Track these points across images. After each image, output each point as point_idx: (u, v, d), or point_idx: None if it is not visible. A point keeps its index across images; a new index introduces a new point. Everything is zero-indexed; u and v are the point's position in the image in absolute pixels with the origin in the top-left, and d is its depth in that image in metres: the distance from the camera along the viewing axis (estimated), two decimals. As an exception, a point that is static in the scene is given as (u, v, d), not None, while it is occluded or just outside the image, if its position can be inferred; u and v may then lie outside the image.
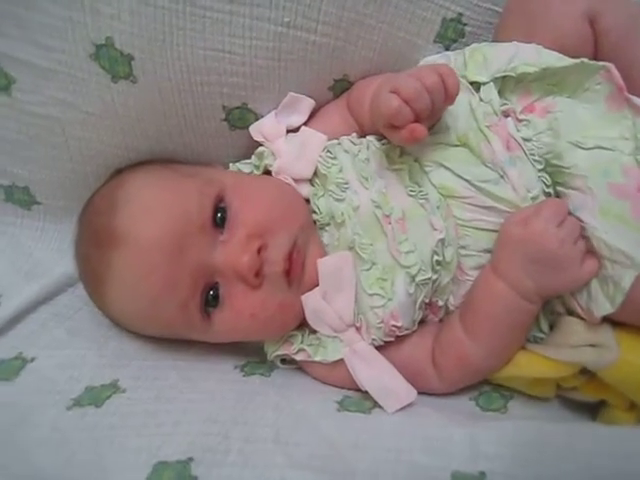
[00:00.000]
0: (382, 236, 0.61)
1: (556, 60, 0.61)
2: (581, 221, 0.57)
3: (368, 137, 0.66)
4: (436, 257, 0.59)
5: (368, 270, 0.60)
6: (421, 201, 0.61)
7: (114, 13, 0.57)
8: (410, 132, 0.56)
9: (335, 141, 0.66)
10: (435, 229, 0.60)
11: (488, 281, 0.59)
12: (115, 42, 0.59)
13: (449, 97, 0.57)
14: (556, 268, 0.56)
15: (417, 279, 0.59)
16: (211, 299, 0.59)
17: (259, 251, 0.58)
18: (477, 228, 0.61)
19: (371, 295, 0.60)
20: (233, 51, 0.62)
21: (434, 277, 0.60)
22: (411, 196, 0.61)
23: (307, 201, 0.65)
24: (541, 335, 0.63)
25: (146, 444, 0.53)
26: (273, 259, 0.58)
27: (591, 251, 0.57)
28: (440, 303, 0.63)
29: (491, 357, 0.60)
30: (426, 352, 0.62)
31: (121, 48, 0.59)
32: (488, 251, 0.61)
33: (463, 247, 0.61)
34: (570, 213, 0.58)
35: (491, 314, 0.59)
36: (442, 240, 0.60)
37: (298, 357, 0.63)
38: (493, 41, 0.69)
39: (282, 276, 0.59)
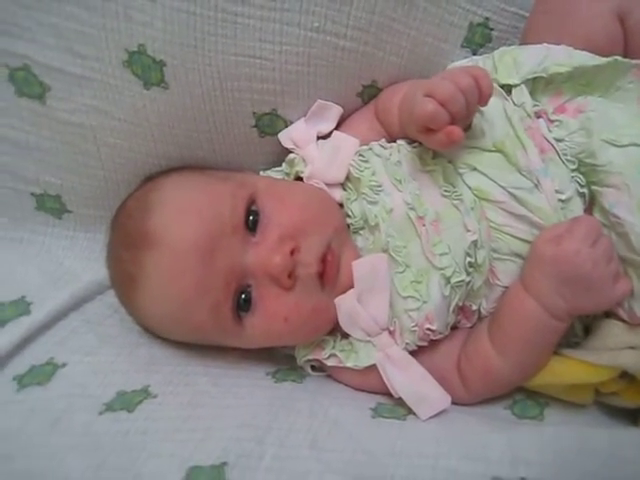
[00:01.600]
0: (416, 238, 0.60)
1: (588, 59, 0.62)
2: (618, 218, 0.57)
3: (398, 141, 0.66)
4: (469, 259, 0.59)
5: (402, 273, 0.60)
6: (455, 202, 0.60)
7: (147, 20, 0.58)
8: (448, 134, 0.55)
9: (365, 147, 0.66)
10: (469, 230, 0.59)
11: (518, 297, 0.58)
12: (147, 49, 0.60)
13: (483, 98, 0.57)
14: (589, 289, 0.56)
15: (452, 281, 0.58)
16: (243, 303, 0.59)
17: (292, 253, 0.57)
18: (509, 234, 0.60)
19: (405, 298, 0.59)
20: (264, 56, 0.62)
21: (467, 279, 0.59)
22: (445, 197, 0.61)
23: (340, 205, 0.65)
24: (576, 339, 0.62)
25: (179, 449, 0.52)
26: (306, 261, 0.58)
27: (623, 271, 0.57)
28: (474, 307, 0.62)
29: (516, 372, 0.59)
30: (453, 359, 0.62)
31: (153, 55, 0.60)
32: (519, 256, 0.60)
33: (495, 250, 0.61)
34: (607, 213, 0.57)
35: (520, 330, 0.58)
36: (475, 242, 0.59)
37: (329, 362, 0.62)
38: (521, 44, 0.69)
39: (316, 278, 0.58)
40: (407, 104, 0.61)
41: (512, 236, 0.60)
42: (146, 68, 0.61)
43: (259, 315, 0.59)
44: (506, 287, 0.61)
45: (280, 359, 0.67)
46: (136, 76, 0.61)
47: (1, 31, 0.59)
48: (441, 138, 0.56)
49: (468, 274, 0.59)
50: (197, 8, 0.58)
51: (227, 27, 0.60)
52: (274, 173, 0.70)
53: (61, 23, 0.58)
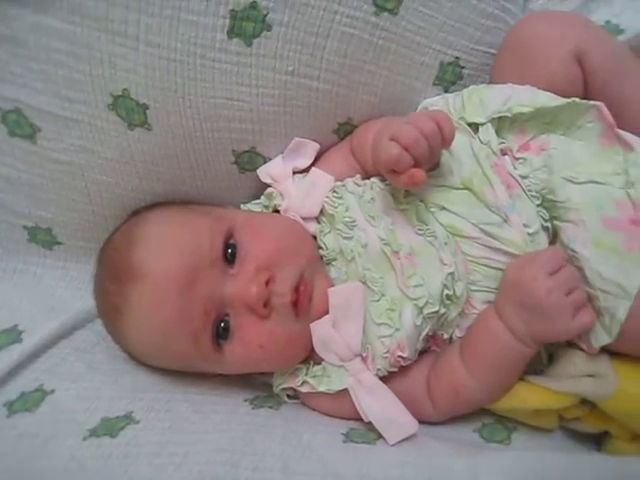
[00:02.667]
0: (391, 270, 0.63)
1: (549, 100, 0.64)
2: (575, 252, 0.59)
3: (372, 179, 0.69)
4: (446, 291, 0.61)
5: (377, 301, 0.62)
6: (429, 239, 0.63)
7: (130, 67, 0.61)
8: (410, 177, 0.58)
9: (340, 183, 0.69)
10: (445, 264, 0.62)
11: (488, 319, 0.61)
12: (131, 93, 0.63)
13: (445, 141, 0.60)
14: (544, 316, 0.57)
15: (424, 312, 0.61)
16: (222, 331, 0.62)
17: (267, 283, 0.60)
18: (486, 265, 0.62)
19: (379, 325, 0.62)
20: (241, 99, 0.65)
21: (442, 311, 0.61)
22: (419, 234, 0.63)
23: (314, 237, 0.67)
24: (541, 367, 0.64)
25: (158, 472, 0.55)
26: (281, 291, 0.61)
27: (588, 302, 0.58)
28: (445, 336, 0.64)
29: (484, 391, 0.62)
30: (422, 381, 0.64)
31: (137, 98, 0.63)
32: (497, 288, 0.62)
33: (472, 282, 0.63)
34: (566, 247, 0.60)
35: (488, 351, 0.61)
36: (452, 274, 0.61)
37: (303, 389, 0.65)
38: (489, 82, 0.72)
39: (290, 307, 0.61)
40: (376, 145, 0.64)
41: (489, 267, 0.62)
42: (130, 111, 0.64)
43: (237, 342, 0.62)
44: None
45: (258, 386, 0.69)
46: (121, 118, 0.64)
47: (-5, 78, 0.62)
48: (404, 180, 0.59)
49: (444, 306, 0.62)
50: (177, 55, 0.61)
51: (205, 72, 0.63)
52: (253, 206, 0.73)
53: (50, 69, 0.62)
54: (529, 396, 0.61)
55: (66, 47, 0.61)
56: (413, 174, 0.58)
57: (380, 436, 0.61)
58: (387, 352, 0.61)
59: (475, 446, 0.62)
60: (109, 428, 0.60)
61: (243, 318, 0.61)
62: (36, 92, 0.63)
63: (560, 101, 0.64)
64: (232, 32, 0.61)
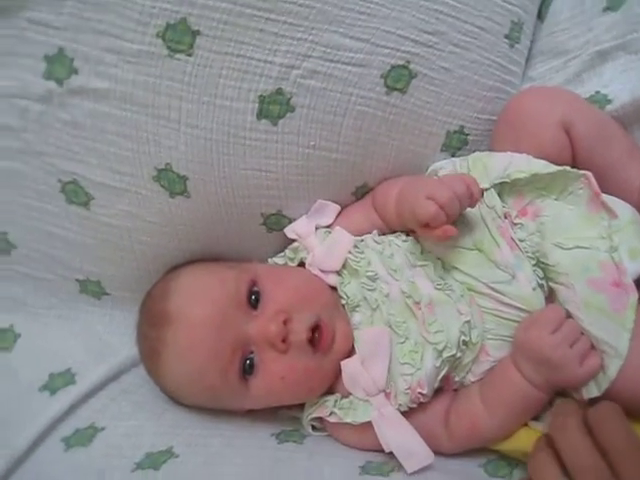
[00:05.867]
0: (413, 318, 0.69)
1: (543, 167, 0.69)
2: (569, 313, 0.65)
3: (389, 237, 0.75)
4: (463, 337, 0.67)
5: (402, 343, 0.68)
6: (447, 292, 0.69)
7: (172, 145, 0.69)
8: (444, 232, 0.65)
9: (359, 238, 0.76)
10: (461, 313, 0.68)
11: (508, 371, 0.67)
12: (173, 167, 0.70)
13: (473, 202, 0.67)
14: (555, 369, 0.63)
15: (444, 355, 0.66)
16: (247, 367, 0.68)
17: (285, 322, 0.67)
18: (498, 316, 0.68)
19: (403, 364, 0.68)
20: (269, 170, 0.72)
21: (458, 354, 0.67)
22: (437, 289, 0.69)
23: (334, 288, 0.74)
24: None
25: (196, 502, 0.62)
26: (297, 329, 0.67)
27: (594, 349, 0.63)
28: (456, 378, 0.70)
29: (499, 428, 0.67)
30: (439, 417, 0.69)
31: (178, 171, 0.70)
32: (510, 336, 0.68)
33: (487, 331, 0.68)
34: (561, 305, 0.65)
35: (508, 397, 0.66)
36: (468, 322, 0.67)
37: (331, 419, 0.70)
38: (489, 148, 0.78)
39: (306, 344, 0.67)
40: (406, 200, 0.70)
41: (501, 318, 0.68)
42: (172, 182, 0.71)
43: (261, 376, 0.68)
44: (495, 361, 0.69)
45: (284, 421, 0.75)
46: (164, 188, 0.72)
47: (57, 154, 0.70)
48: (439, 234, 0.65)
49: (460, 350, 0.67)
50: (213, 135, 0.69)
51: (237, 148, 0.70)
52: (277, 259, 0.80)
53: (104, 148, 0.69)
54: (528, 439, 0.66)
55: (117, 129, 0.68)
56: (447, 230, 0.65)
57: (394, 469, 0.67)
58: (408, 389, 0.67)
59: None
60: (153, 462, 0.66)
61: (265, 354, 0.68)
62: (91, 166, 0.71)
63: (553, 168, 0.69)
64: (260, 114, 0.68)
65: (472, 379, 0.70)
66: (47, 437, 0.71)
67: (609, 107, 0.75)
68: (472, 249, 0.70)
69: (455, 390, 0.72)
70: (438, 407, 0.70)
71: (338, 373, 0.71)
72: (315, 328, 0.69)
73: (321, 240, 0.77)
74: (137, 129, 0.69)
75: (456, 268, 0.70)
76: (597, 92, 0.77)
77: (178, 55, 0.65)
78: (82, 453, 0.68)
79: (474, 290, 0.69)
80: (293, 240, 0.79)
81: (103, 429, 0.71)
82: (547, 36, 0.82)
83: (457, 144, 0.80)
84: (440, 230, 0.65)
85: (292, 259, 0.79)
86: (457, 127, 0.79)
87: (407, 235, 0.76)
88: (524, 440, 0.67)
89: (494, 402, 0.67)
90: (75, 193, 0.73)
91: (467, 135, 0.80)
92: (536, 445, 0.61)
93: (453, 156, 0.80)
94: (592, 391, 0.63)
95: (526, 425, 0.68)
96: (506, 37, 0.77)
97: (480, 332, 0.68)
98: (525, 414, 0.67)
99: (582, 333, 0.64)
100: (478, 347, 0.68)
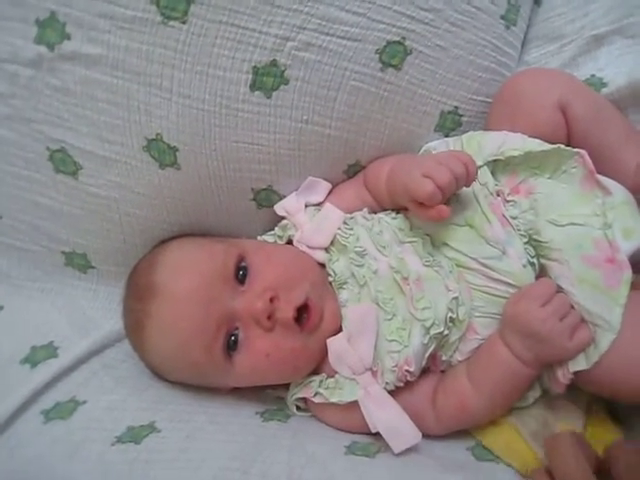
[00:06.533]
0: (401, 294, 0.68)
1: (537, 145, 0.70)
2: (561, 288, 0.64)
3: (379, 214, 0.75)
4: (450, 314, 0.66)
5: (390, 320, 0.68)
6: (435, 268, 0.69)
7: (164, 114, 0.68)
8: (438, 212, 0.65)
9: (349, 216, 0.75)
10: (449, 290, 0.67)
11: (495, 345, 0.66)
12: (163, 137, 0.70)
13: (469, 182, 0.66)
14: (543, 342, 0.63)
15: (431, 332, 0.66)
16: (232, 343, 0.67)
17: (272, 300, 0.66)
18: (487, 293, 0.68)
19: (390, 341, 0.67)
20: (260, 143, 0.72)
21: (445, 332, 0.67)
22: (426, 266, 0.69)
23: (322, 265, 0.73)
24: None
25: (176, 476, 0.61)
26: (284, 307, 0.66)
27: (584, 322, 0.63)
28: (443, 357, 0.69)
29: (488, 409, 0.67)
30: (426, 397, 0.69)
31: (168, 142, 0.70)
32: (498, 313, 0.67)
33: (475, 308, 0.68)
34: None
35: (496, 373, 0.66)
36: (456, 299, 0.67)
37: (316, 399, 0.69)
38: (484, 129, 0.78)
39: (292, 323, 0.66)
40: (399, 177, 0.69)
41: (490, 294, 0.68)
42: (162, 152, 0.71)
43: (245, 352, 0.67)
44: (483, 339, 0.68)
45: (268, 401, 0.74)
46: (153, 158, 0.71)
47: (45, 121, 0.70)
48: (433, 214, 0.65)
49: (447, 328, 0.67)
50: (205, 105, 0.68)
51: (230, 120, 0.69)
52: (267, 237, 0.79)
53: (94, 115, 0.69)
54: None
55: (108, 97, 0.68)
56: (441, 210, 0.64)
57: (379, 450, 0.66)
58: (395, 366, 0.66)
59: (467, 463, 0.67)
60: (134, 436, 0.66)
61: (251, 331, 0.67)
62: (80, 134, 0.70)
63: (547, 147, 0.69)
64: (254, 86, 0.68)
65: (460, 358, 0.70)
66: (26, 410, 0.69)
67: (605, 90, 0.76)
68: (463, 225, 0.70)
69: (442, 372, 0.72)
70: (425, 387, 0.70)
71: (324, 353, 0.69)
72: (302, 307, 0.68)
73: (310, 217, 0.76)
74: (128, 97, 0.68)
75: (446, 244, 0.70)
76: (592, 75, 0.77)
77: (172, 22, 0.65)
78: (61, 426, 0.68)
79: (463, 266, 0.69)
80: (283, 218, 0.78)
81: (84, 402, 0.70)
82: (543, 21, 0.83)
83: (451, 125, 0.80)
84: (434, 210, 0.65)
85: (281, 237, 0.79)
86: (451, 107, 0.79)
87: (397, 213, 0.75)
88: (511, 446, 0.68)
89: (482, 380, 0.67)
90: (63, 162, 0.72)
91: (461, 116, 0.80)
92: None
93: (446, 137, 0.80)
94: (580, 363, 0.62)
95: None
96: (502, 18, 0.77)
97: (468, 310, 0.68)
98: (513, 392, 0.67)
99: (572, 307, 0.64)
100: (465, 325, 0.68)
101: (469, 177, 0.66)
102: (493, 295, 0.68)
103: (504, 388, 0.66)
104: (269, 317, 0.66)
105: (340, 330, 0.70)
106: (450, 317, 0.67)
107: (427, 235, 0.72)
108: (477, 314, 0.68)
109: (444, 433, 0.69)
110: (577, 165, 0.69)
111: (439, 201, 0.64)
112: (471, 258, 0.68)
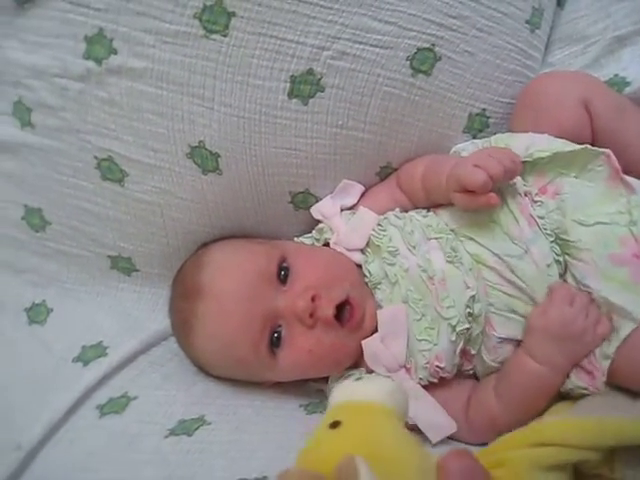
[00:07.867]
0: (428, 293, 0.71)
1: (564, 146, 0.72)
2: (588, 287, 0.66)
3: (410, 212, 0.78)
4: (468, 310, 0.69)
5: (419, 320, 0.70)
6: (457, 265, 0.71)
7: (206, 123, 0.72)
8: (488, 199, 0.66)
9: (382, 217, 0.78)
10: (468, 287, 0.69)
11: (522, 361, 0.68)
12: (206, 144, 0.73)
13: (513, 178, 0.69)
14: (577, 339, 0.65)
15: (457, 329, 0.68)
16: (275, 340, 0.70)
17: (313, 299, 0.69)
18: (501, 291, 0.70)
19: (420, 340, 0.70)
20: (298, 148, 0.74)
21: (469, 328, 0.69)
22: (449, 262, 0.71)
23: (359, 266, 0.76)
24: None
25: (229, 465, 0.64)
26: (325, 305, 0.69)
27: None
28: (472, 351, 0.71)
29: (519, 420, 0.65)
30: (461, 404, 0.71)
31: (210, 148, 0.73)
32: (512, 311, 0.69)
33: (491, 304, 0.70)
34: (578, 282, 0.67)
35: (524, 390, 0.67)
36: (473, 296, 0.69)
37: None
38: (508, 130, 0.80)
39: (333, 320, 0.69)
40: (440, 169, 0.72)
41: (504, 293, 0.70)
42: (204, 159, 0.74)
43: (288, 349, 0.70)
44: (501, 339, 0.70)
45: (311, 394, 0.77)
46: (196, 165, 0.74)
47: (93, 132, 0.73)
48: (483, 201, 0.67)
49: (469, 323, 0.69)
50: (245, 113, 0.71)
51: (269, 127, 0.72)
52: (305, 239, 0.82)
53: (139, 125, 0.72)
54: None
55: (153, 107, 0.71)
56: (491, 197, 0.66)
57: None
58: (427, 363, 0.69)
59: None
60: (186, 428, 0.69)
61: (293, 328, 0.70)
62: (126, 143, 0.73)
63: (574, 147, 0.71)
64: (292, 94, 0.71)
65: (488, 356, 0.71)
66: (81, 405, 0.73)
67: (628, 89, 0.78)
68: (489, 222, 0.72)
69: (474, 374, 0.74)
70: (460, 393, 0.72)
71: (362, 350, 0.72)
72: (342, 305, 0.71)
73: (346, 221, 0.79)
74: (172, 107, 0.72)
75: (471, 238, 0.72)
76: (616, 75, 0.79)
77: (214, 35, 0.68)
78: (116, 420, 0.71)
79: (483, 263, 0.71)
80: (318, 220, 0.81)
81: (136, 398, 0.74)
82: (566, 23, 0.85)
83: (479, 126, 0.82)
84: (485, 197, 0.67)
85: (318, 240, 0.81)
86: (479, 110, 0.81)
87: (427, 211, 0.78)
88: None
89: (508, 394, 0.68)
90: (110, 170, 0.76)
91: (488, 118, 0.82)
92: None
93: (474, 138, 0.83)
94: (608, 350, 0.64)
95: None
96: (527, 22, 0.79)
97: (483, 306, 0.70)
98: (541, 400, 0.68)
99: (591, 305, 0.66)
100: (482, 319, 0.70)
101: (516, 171, 0.68)
102: (505, 294, 0.70)
103: (531, 402, 0.68)
104: (311, 315, 0.69)
105: (376, 330, 0.72)
106: (468, 312, 0.69)
107: (452, 231, 0.74)
108: (492, 310, 0.70)
109: (477, 442, 0.70)
110: (603, 164, 0.71)
111: (489, 190, 0.66)
112: (493, 254, 0.70)
